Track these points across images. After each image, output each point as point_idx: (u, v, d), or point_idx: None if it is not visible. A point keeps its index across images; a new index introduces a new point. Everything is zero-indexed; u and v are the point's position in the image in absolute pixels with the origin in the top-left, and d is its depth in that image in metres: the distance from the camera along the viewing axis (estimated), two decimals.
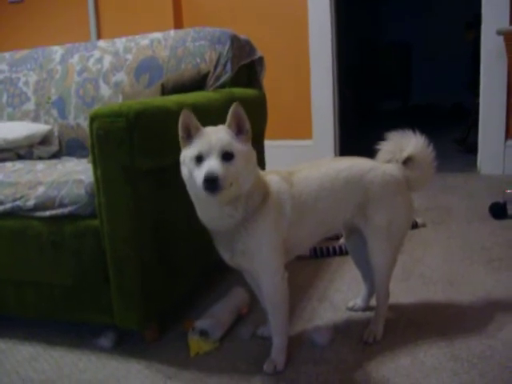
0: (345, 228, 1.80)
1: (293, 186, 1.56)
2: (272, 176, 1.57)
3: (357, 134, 4.76)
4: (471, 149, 4.32)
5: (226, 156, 1.36)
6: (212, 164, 1.33)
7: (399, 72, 7.73)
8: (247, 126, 1.45)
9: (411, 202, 1.73)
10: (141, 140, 1.53)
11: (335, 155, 3.99)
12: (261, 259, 1.52)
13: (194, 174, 1.37)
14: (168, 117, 1.63)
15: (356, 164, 1.68)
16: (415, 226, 2.74)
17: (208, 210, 1.46)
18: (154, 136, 1.58)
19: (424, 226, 2.78)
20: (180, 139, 1.42)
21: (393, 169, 1.69)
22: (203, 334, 1.72)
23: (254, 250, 1.50)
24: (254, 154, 1.46)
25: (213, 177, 1.31)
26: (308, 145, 4.04)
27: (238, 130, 1.43)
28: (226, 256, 1.54)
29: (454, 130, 5.23)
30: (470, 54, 4.82)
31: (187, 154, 1.39)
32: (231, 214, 1.43)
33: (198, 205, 1.47)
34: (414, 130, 1.73)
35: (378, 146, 1.77)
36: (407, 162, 1.71)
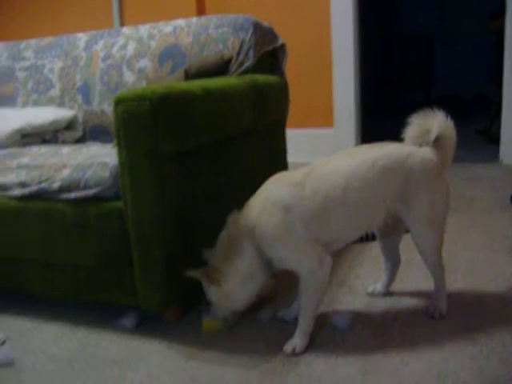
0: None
1: (305, 188, 1.57)
2: (273, 188, 1.62)
3: (379, 124, 4.74)
4: (494, 139, 4.29)
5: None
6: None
7: (422, 63, 7.66)
8: (208, 278, 1.61)
9: (448, 184, 1.72)
10: (165, 123, 1.55)
11: (356, 144, 3.98)
12: (292, 264, 1.60)
13: None
14: (192, 101, 1.66)
15: (394, 150, 1.65)
16: None
17: None
18: (178, 119, 1.60)
19: None
20: None
21: (429, 152, 1.67)
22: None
23: (282, 259, 1.60)
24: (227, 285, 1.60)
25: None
26: (329, 133, 4.03)
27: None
28: None
29: (477, 120, 5.19)
30: (494, 44, 4.77)
31: None
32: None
33: None
34: (433, 110, 1.71)
35: (403, 133, 1.75)
36: (435, 142, 1.69)
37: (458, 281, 1.99)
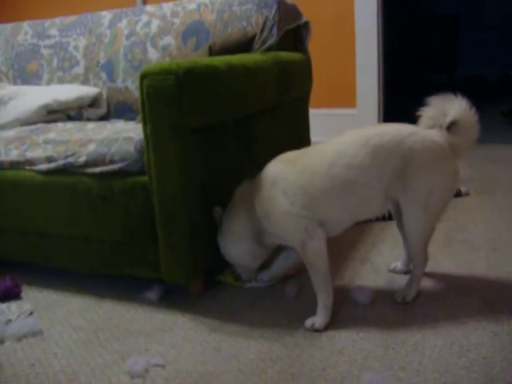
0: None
1: (294, 162, 1.62)
2: (267, 166, 1.68)
3: (402, 105, 4.71)
4: None
5: None
6: None
7: (446, 43, 7.55)
8: None
9: (456, 170, 1.65)
10: (190, 97, 1.56)
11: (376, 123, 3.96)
12: (283, 236, 1.67)
13: None
14: (216, 75, 1.67)
15: (390, 130, 1.62)
16: (459, 194, 2.72)
17: None
18: (203, 94, 1.61)
19: (468, 194, 2.76)
20: None
21: (435, 134, 1.62)
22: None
23: (276, 233, 1.66)
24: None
25: None
26: (352, 113, 4.01)
27: None
28: None
29: (501, 101, 5.12)
30: None
31: None
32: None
33: None
34: (455, 95, 1.65)
35: (419, 113, 1.71)
36: (451, 126, 1.63)
37: (480, 260, 1.98)
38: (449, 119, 1.63)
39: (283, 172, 1.61)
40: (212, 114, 1.66)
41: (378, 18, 3.88)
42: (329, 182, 1.58)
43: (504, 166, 3.31)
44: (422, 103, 1.70)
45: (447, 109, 1.65)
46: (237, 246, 1.72)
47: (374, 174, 1.59)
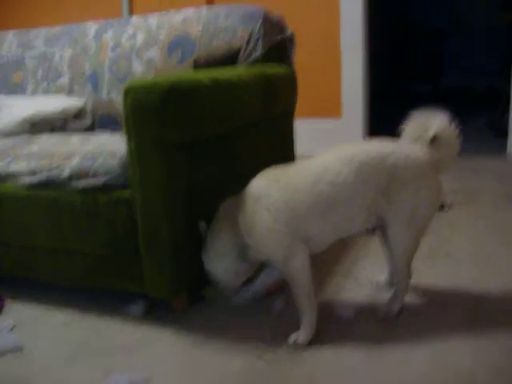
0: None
1: (279, 180, 1.62)
2: (252, 182, 1.67)
3: (387, 115, 4.74)
4: (503, 133, 4.27)
5: None
6: None
7: (431, 54, 7.62)
8: None
9: (439, 185, 1.67)
10: (174, 113, 1.56)
11: (364, 134, 3.97)
12: (266, 253, 1.64)
13: None
14: (201, 91, 1.66)
15: (374, 147, 1.63)
16: (443, 206, 2.74)
17: None
18: (187, 109, 1.61)
19: (451, 206, 2.78)
20: None
21: (417, 150, 1.63)
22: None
23: (259, 249, 1.64)
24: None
25: None
26: (337, 123, 4.02)
27: None
28: None
29: (486, 113, 5.17)
30: (505, 37, 4.75)
31: None
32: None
33: None
34: (437, 109, 1.66)
35: (401, 127, 1.72)
36: (433, 141, 1.64)
37: (463, 273, 2.00)
38: (430, 134, 1.65)
39: (267, 188, 1.61)
40: (196, 129, 1.66)
41: (363, 28, 3.91)
42: (313, 198, 1.58)
43: (488, 177, 3.34)
44: (406, 113, 1.71)
45: (428, 124, 1.67)
46: (221, 263, 1.70)
47: (359, 191, 1.59)
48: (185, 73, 1.89)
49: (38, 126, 2.38)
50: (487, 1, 7.01)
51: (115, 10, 4.39)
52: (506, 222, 2.51)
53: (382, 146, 1.64)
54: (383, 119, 4.46)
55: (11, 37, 2.87)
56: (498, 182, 3.22)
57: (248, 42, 2.23)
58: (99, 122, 2.54)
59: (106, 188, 1.72)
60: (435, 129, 1.65)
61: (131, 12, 4.38)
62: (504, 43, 4.74)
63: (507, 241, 2.29)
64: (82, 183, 1.75)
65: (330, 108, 4.05)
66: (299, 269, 1.59)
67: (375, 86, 4.57)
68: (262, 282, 1.87)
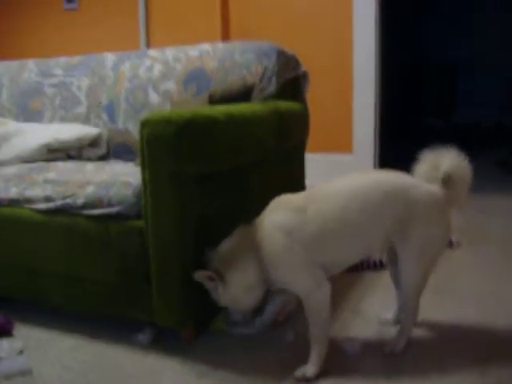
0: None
1: (306, 213, 1.61)
2: (277, 216, 1.65)
3: (398, 150, 4.78)
4: None
5: None
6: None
7: (442, 90, 7.70)
8: (213, 276, 1.65)
9: (449, 223, 1.71)
10: (189, 146, 1.60)
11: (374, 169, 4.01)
12: (291, 286, 1.65)
13: None
14: (215, 126, 1.71)
15: (397, 179, 1.68)
16: (450, 244, 2.75)
17: None
18: (202, 143, 1.65)
19: (459, 245, 2.79)
20: None
21: (435, 188, 1.68)
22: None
23: (283, 283, 1.66)
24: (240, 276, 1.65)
25: None
26: (348, 159, 4.07)
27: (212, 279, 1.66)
28: None
29: (496, 150, 5.19)
30: None
31: None
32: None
33: None
34: (449, 147, 1.70)
35: (414, 167, 1.76)
36: (444, 180, 1.69)
37: (469, 310, 2.00)
38: (441, 174, 1.69)
39: (298, 222, 1.61)
40: (210, 162, 1.70)
41: (375, 66, 3.97)
42: (341, 227, 1.61)
43: (496, 216, 3.34)
44: (418, 148, 1.75)
45: (439, 163, 1.71)
46: (248, 294, 1.66)
47: (381, 219, 1.64)
48: (200, 108, 1.93)
49: (55, 152, 2.44)
50: (498, 39, 7.10)
51: (133, 43, 4.50)
52: None
53: (404, 178, 1.69)
54: (395, 154, 4.50)
55: (31, 65, 2.95)
56: (507, 220, 3.23)
57: (262, 78, 2.28)
58: (114, 150, 2.59)
59: (119, 217, 1.76)
60: (447, 168, 1.69)
61: (148, 45, 4.48)
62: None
63: None
64: (95, 212, 1.78)
65: (342, 143, 4.10)
66: (322, 301, 1.61)
67: (388, 121, 4.62)
68: (270, 311, 1.89)
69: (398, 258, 1.69)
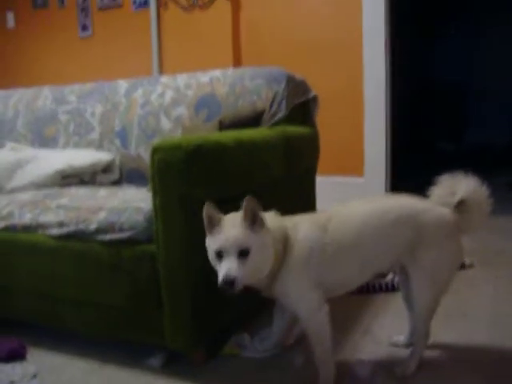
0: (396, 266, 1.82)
1: (327, 231, 1.62)
2: (303, 224, 1.64)
3: (410, 173, 4.78)
4: None
5: (243, 253, 1.47)
6: (230, 265, 1.45)
7: (453, 112, 7.71)
8: (260, 215, 1.53)
9: (461, 247, 1.73)
10: (198, 172, 1.63)
11: (386, 193, 4.01)
12: (293, 300, 1.63)
13: (216, 267, 1.51)
14: (224, 152, 1.74)
15: (407, 203, 1.71)
16: (463, 266, 2.74)
17: None
18: (211, 169, 1.68)
19: (472, 266, 2.78)
20: (205, 227, 1.53)
21: (446, 212, 1.70)
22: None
23: (285, 294, 1.63)
24: (268, 237, 1.54)
25: (229, 280, 1.44)
26: (359, 182, 4.08)
27: (253, 220, 1.52)
28: (263, 293, 1.68)
29: (507, 171, 5.17)
30: None
31: (210, 245, 1.52)
32: (259, 284, 1.60)
33: None
34: (466, 172, 1.73)
35: (429, 192, 1.78)
36: (459, 205, 1.71)
37: (481, 333, 2.00)
38: (456, 199, 1.71)
39: (321, 239, 1.61)
40: (219, 187, 1.73)
41: (386, 89, 4.00)
42: (355, 249, 1.65)
43: (508, 237, 3.33)
44: (429, 172, 1.77)
45: (455, 188, 1.73)
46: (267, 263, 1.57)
47: (391, 244, 1.68)
48: (210, 134, 1.97)
49: (68, 178, 2.48)
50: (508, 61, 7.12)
51: (146, 69, 4.57)
52: None
53: (414, 203, 1.72)
54: (407, 177, 4.51)
55: (46, 92, 3.01)
56: None
57: (272, 104, 2.31)
58: (127, 175, 2.62)
59: (131, 242, 1.78)
60: (462, 194, 1.71)
61: (161, 71, 4.55)
62: None
63: None
64: (108, 237, 1.81)
65: (353, 167, 4.11)
66: (323, 323, 1.62)
67: (399, 144, 4.63)
68: (276, 332, 1.89)
69: (409, 280, 1.71)
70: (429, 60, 8.02)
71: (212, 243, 1.51)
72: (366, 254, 1.66)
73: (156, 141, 1.69)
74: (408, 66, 6.73)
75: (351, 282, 1.75)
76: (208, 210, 1.51)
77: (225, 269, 1.45)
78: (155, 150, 1.64)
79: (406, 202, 1.72)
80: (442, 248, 1.67)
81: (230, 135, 1.86)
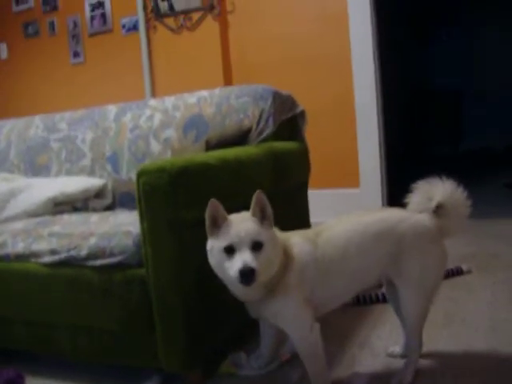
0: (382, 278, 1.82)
1: (317, 247, 1.63)
2: (296, 239, 1.64)
3: (407, 181, 4.77)
4: None
5: (256, 246, 1.45)
6: (246, 257, 1.42)
7: (450, 117, 7.73)
8: (270, 211, 1.51)
9: (444, 251, 1.73)
10: (184, 194, 1.64)
11: (383, 203, 4.01)
12: (286, 319, 1.61)
13: (224, 265, 1.46)
14: (209, 172, 1.75)
15: (385, 216, 1.72)
16: (460, 272, 2.74)
17: (236, 289, 1.56)
18: (196, 190, 1.69)
19: (470, 272, 2.77)
20: (207, 228, 1.50)
21: (424, 219, 1.71)
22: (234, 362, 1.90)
23: (279, 313, 1.59)
24: (276, 237, 1.53)
25: (248, 271, 1.39)
26: (355, 193, 4.09)
27: (262, 217, 1.50)
28: (252, 313, 1.65)
29: (506, 173, 5.17)
30: None
31: (215, 245, 1.48)
32: (258, 291, 1.54)
33: (227, 285, 1.56)
34: (441, 177, 1.73)
35: (406, 199, 1.79)
36: (438, 209, 1.71)
37: (479, 340, 1.99)
38: (434, 204, 1.72)
39: (313, 255, 1.61)
40: (206, 208, 1.73)
41: (377, 99, 4.01)
42: (342, 270, 1.65)
43: (507, 241, 3.31)
44: (426, 177, 1.77)
45: (432, 193, 1.73)
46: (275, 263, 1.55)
47: (374, 258, 1.68)
48: (195, 155, 1.98)
49: (61, 205, 2.49)
50: (502, 63, 7.14)
51: (139, 93, 4.60)
52: None
53: (390, 215, 1.73)
54: (405, 185, 4.50)
55: (37, 121, 3.03)
56: None
57: (259, 121, 2.33)
58: (119, 200, 2.63)
59: (121, 266, 1.79)
60: (438, 198, 1.72)
61: (153, 95, 4.58)
62: None
63: None
64: (98, 262, 1.82)
65: (349, 179, 4.12)
66: (315, 343, 1.61)
67: (396, 152, 4.64)
68: (265, 351, 1.88)
69: (397, 292, 1.71)
70: (425, 66, 8.05)
71: (218, 242, 1.47)
72: (352, 270, 1.67)
73: (140, 165, 1.70)
74: (404, 72, 6.76)
75: (339, 298, 1.75)
76: (212, 207, 1.48)
77: (241, 261, 1.41)
78: (140, 174, 1.65)
79: (385, 216, 1.73)
80: (424, 254, 1.68)
81: (215, 155, 1.88)
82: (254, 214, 1.50)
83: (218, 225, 1.49)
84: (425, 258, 1.67)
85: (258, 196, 1.50)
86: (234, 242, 1.44)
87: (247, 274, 1.39)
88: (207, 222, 1.49)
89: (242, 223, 1.47)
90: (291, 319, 1.61)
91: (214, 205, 1.48)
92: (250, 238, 1.44)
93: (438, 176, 1.74)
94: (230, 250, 1.45)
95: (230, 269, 1.43)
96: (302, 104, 2.62)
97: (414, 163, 6.72)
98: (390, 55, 5.47)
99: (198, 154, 2.00)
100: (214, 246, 1.49)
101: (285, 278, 1.56)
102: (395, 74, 6.15)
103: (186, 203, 1.66)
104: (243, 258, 1.41)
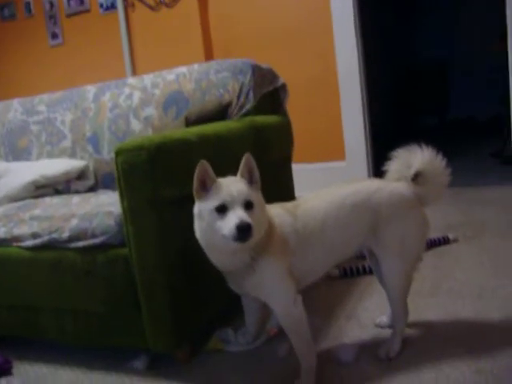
0: (364, 249, 1.81)
1: (297, 219, 1.62)
2: (276, 210, 1.63)
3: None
4: (507, 161, 4.28)
5: (248, 205, 1.43)
6: (241, 214, 1.39)
7: (436, 88, 7.70)
8: (257, 174, 1.50)
9: (424, 219, 1.72)
10: (163, 171, 1.62)
11: (369, 175, 4.00)
12: (269, 291, 1.59)
13: (215, 225, 1.42)
14: (188, 148, 1.73)
15: (361, 187, 1.70)
16: (447, 241, 2.74)
17: (220, 257, 1.54)
18: (176, 167, 1.67)
19: (456, 240, 2.77)
20: (194, 191, 1.48)
21: (401, 187, 1.70)
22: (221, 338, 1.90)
23: (262, 285, 1.57)
24: (263, 200, 1.53)
25: (246, 226, 1.37)
26: (341, 166, 4.07)
27: (250, 180, 1.49)
28: (234, 287, 1.64)
29: (491, 143, 5.18)
30: (506, 66, 4.78)
31: (205, 207, 1.45)
32: (242, 258, 1.52)
33: (211, 253, 1.54)
34: (420, 145, 1.71)
35: (385, 167, 1.78)
36: (417, 177, 1.70)
37: (466, 308, 1.99)
38: (412, 172, 1.71)
39: (293, 226, 1.60)
40: (186, 184, 1.69)
41: (359, 71, 3.98)
42: (322, 242, 1.64)
43: (493, 208, 3.32)
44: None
45: (411, 161, 1.72)
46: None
47: (353, 229, 1.67)
48: (173, 131, 1.95)
49: (43, 188, 2.46)
50: (486, 34, 7.10)
51: (119, 71, 4.54)
52: (511, 255, 2.50)
53: (367, 186, 1.71)
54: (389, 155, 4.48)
55: (16, 104, 2.98)
56: (505, 212, 3.20)
57: (239, 95, 2.30)
58: (102, 181, 2.61)
59: (104, 247, 1.77)
60: (417, 166, 1.70)
61: (134, 72, 4.52)
62: (504, 73, 4.77)
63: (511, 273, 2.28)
64: (81, 244, 1.80)
65: (335, 152, 4.11)
66: (299, 317, 1.59)
67: (382, 124, 4.62)
68: (251, 326, 1.88)
69: (378, 261, 1.71)
70: (410, 38, 8.01)
71: (208, 203, 1.44)
72: (331, 242, 1.65)
73: (118, 144, 1.67)
74: (387, 45, 6.73)
75: (318, 270, 1.73)
76: (202, 169, 1.46)
77: (236, 217, 1.38)
78: (118, 153, 1.63)
79: (361, 187, 1.71)
80: (403, 223, 1.66)
81: (194, 131, 1.85)
82: (242, 176, 1.49)
83: (206, 188, 1.47)
84: (403, 226, 1.66)
85: (246, 158, 1.49)
86: (227, 201, 1.42)
87: (244, 229, 1.37)
88: (195, 185, 1.47)
89: (233, 184, 1.46)
90: (274, 291, 1.59)
91: (203, 166, 1.45)
92: (243, 197, 1.43)
93: (418, 144, 1.72)
94: (221, 210, 1.42)
95: (224, 227, 1.40)
96: (285, 78, 2.59)
97: (401, 134, 6.71)
98: (374, 27, 5.42)
99: (176, 131, 1.97)
100: (203, 208, 1.46)
101: (267, 245, 1.54)
102: (379, 46, 6.11)
103: (166, 180, 1.64)
104: (238, 214, 1.39)
